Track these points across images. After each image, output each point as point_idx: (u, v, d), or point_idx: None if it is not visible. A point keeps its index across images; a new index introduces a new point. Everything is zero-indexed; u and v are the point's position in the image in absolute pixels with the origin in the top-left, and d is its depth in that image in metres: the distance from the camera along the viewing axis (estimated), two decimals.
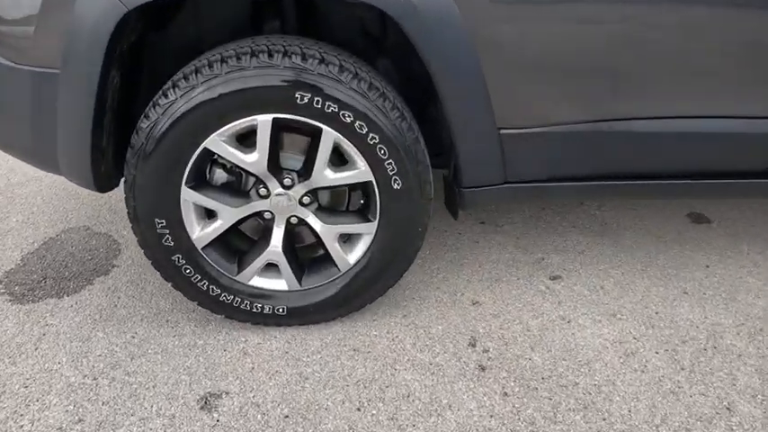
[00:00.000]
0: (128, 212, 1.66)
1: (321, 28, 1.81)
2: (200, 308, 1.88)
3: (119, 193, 1.84)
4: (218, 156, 1.60)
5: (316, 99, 1.52)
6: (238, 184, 1.73)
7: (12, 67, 1.56)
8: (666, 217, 2.47)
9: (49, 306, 1.96)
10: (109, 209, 2.52)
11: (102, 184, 1.71)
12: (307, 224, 1.73)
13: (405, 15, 1.46)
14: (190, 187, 1.62)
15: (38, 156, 1.70)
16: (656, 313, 1.92)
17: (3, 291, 2.02)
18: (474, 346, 1.78)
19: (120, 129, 1.72)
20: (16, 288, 2.04)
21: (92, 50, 1.47)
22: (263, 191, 1.67)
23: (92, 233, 2.37)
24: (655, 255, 2.22)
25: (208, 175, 1.71)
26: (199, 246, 1.70)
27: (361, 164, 1.62)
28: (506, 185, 1.74)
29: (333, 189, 1.73)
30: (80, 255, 2.23)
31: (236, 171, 1.70)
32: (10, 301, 1.98)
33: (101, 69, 1.49)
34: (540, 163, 1.72)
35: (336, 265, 1.77)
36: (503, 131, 1.64)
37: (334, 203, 1.79)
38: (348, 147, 1.60)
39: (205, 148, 1.57)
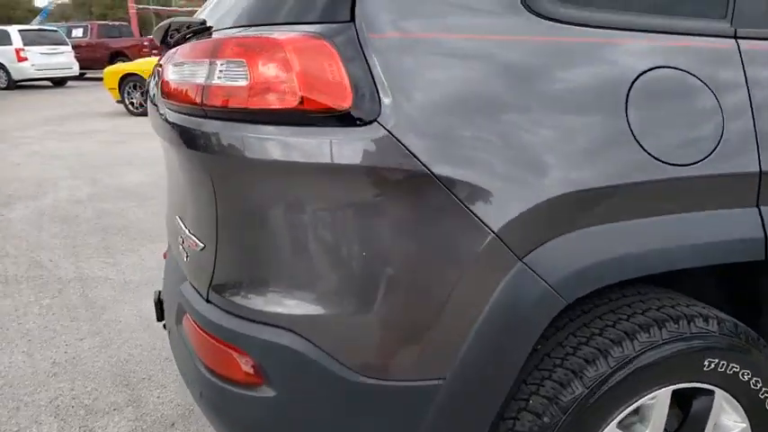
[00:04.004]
0: None
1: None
2: None
3: None
4: None
5: (721, 363, 1.38)
6: None
7: (373, 386, 1.17)
8: None
9: None
10: None
11: None
12: None
13: None
14: None
15: None
16: None
17: None
18: None
19: None
20: None
21: (510, 353, 1.21)
22: None
23: None
24: None
25: None
26: None
27: (739, 419, 1.48)
28: None
29: None
30: None
31: None
32: None
33: (517, 375, 1.24)
34: None
35: None
36: None
37: None
38: (729, 405, 1.45)
39: None
